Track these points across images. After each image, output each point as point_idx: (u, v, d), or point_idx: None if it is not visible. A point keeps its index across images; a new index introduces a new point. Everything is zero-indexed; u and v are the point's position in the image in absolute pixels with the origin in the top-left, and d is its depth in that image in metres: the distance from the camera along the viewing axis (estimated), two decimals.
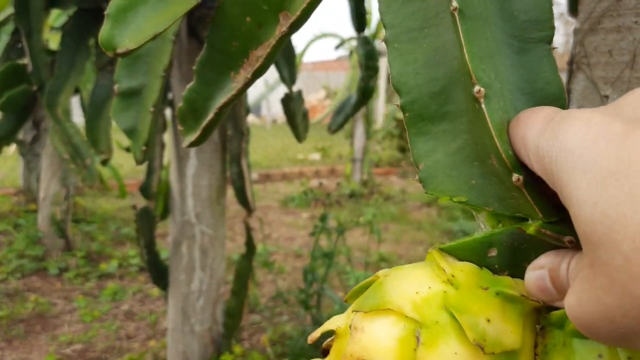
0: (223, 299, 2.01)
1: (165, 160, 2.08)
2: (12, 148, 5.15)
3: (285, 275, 3.44)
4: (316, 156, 8.84)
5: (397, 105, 0.36)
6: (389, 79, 0.38)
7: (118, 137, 3.17)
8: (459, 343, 0.29)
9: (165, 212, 1.92)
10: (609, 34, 0.70)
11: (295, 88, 1.79)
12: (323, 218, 2.25)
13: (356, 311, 0.32)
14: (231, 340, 2.02)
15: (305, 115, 1.68)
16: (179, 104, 0.64)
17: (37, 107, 1.91)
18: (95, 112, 1.51)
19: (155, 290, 3.04)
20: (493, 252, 0.32)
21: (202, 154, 1.82)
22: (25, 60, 1.54)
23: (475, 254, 0.33)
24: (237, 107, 1.87)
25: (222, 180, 1.89)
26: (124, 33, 0.51)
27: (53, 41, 2.33)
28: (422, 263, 0.34)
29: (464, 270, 0.32)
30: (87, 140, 1.47)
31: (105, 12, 0.52)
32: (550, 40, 0.36)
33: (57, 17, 2.45)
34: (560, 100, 0.34)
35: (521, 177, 0.30)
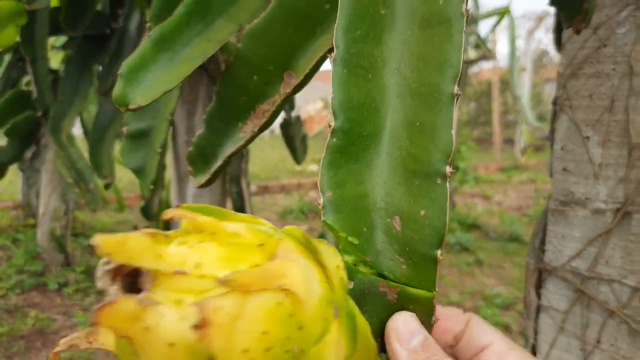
0: None
1: (166, 181, 2.12)
2: None
3: None
4: (314, 167, 8.88)
5: (330, 125, 0.37)
6: None
7: (117, 150, 3.21)
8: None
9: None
10: (589, 79, 0.74)
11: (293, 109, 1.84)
12: (321, 237, 2.28)
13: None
14: None
15: (303, 139, 1.72)
16: (189, 148, 0.68)
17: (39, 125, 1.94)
18: (98, 137, 1.55)
19: None
20: (350, 285, 0.35)
21: None
22: (30, 87, 1.58)
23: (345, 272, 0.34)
24: None
25: (221, 201, 1.92)
26: (135, 91, 0.55)
27: (54, 60, 2.37)
28: (308, 262, 0.30)
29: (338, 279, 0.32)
30: (91, 165, 1.51)
31: (119, 72, 0.56)
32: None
33: (57, 37, 2.50)
34: None
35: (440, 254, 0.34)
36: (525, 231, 4.83)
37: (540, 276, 0.80)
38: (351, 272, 0.35)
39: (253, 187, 6.48)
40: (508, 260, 4.34)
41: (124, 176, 5.88)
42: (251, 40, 0.60)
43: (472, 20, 4.77)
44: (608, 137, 0.72)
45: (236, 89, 0.61)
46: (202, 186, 0.66)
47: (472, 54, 4.67)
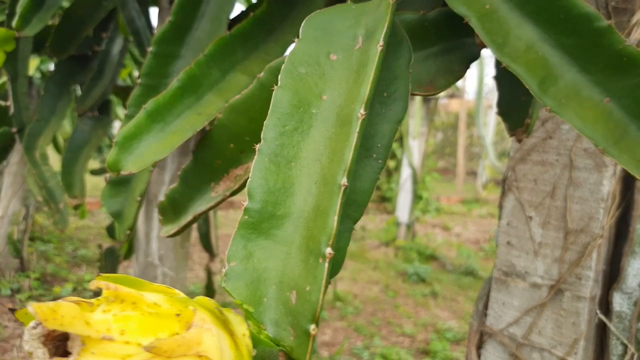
0: None
1: None
2: None
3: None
4: None
5: (243, 204, 0.42)
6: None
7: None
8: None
9: (129, 252, 1.96)
10: (535, 165, 0.83)
11: None
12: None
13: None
14: None
15: None
16: (161, 199, 0.73)
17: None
18: (71, 157, 1.57)
19: None
20: (254, 352, 0.38)
21: None
22: (7, 102, 1.60)
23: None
24: None
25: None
26: (128, 158, 0.60)
27: (29, 67, 2.37)
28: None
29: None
30: (62, 184, 1.53)
31: (114, 140, 0.61)
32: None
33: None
34: None
35: (317, 329, 0.37)
36: (480, 266, 4.98)
37: (482, 337, 0.88)
38: (255, 340, 0.38)
39: None
40: (462, 293, 4.46)
41: (87, 181, 5.79)
42: (232, 112, 0.66)
43: None
44: (548, 219, 0.81)
45: (213, 153, 0.67)
46: (171, 236, 0.71)
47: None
